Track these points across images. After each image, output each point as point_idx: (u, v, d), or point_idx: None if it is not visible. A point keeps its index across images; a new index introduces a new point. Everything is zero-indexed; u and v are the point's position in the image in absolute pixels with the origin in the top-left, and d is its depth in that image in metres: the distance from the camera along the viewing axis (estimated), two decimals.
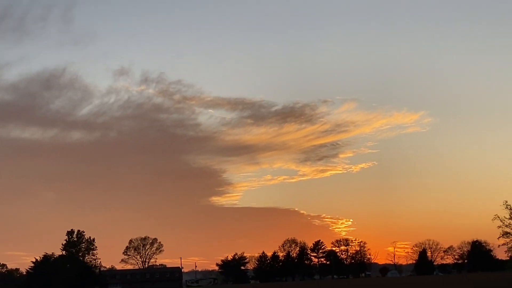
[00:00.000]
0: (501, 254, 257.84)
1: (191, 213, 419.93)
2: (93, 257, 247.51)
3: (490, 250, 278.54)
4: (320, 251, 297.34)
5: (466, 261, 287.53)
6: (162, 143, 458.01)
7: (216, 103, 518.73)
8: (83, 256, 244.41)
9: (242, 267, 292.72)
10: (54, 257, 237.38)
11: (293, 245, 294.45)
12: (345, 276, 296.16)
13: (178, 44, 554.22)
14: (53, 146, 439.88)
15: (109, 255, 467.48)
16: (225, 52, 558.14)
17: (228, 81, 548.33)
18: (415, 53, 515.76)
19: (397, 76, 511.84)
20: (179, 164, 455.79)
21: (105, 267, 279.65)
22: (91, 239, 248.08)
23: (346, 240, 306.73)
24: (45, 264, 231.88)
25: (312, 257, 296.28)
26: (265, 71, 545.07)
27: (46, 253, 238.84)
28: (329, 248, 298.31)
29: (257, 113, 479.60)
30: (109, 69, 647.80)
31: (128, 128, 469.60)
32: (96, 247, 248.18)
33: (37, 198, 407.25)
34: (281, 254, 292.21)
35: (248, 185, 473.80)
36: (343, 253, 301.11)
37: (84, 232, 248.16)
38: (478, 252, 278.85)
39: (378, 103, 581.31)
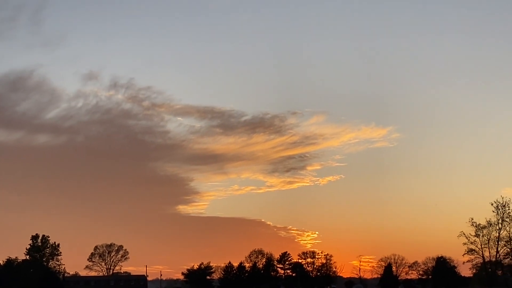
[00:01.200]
0: (465, 271, 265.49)
1: (158, 221, 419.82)
2: (57, 262, 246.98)
3: (454, 267, 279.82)
4: (287, 262, 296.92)
5: (430, 276, 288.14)
6: (130, 149, 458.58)
7: (185, 111, 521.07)
8: (47, 262, 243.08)
9: (208, 277, 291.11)
10: (17, 261, 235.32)
11: (259, 256, 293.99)
12: None
13: (148, 50, 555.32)
14: (18, 149, 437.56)
15: (74, 261, 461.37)
16: (196, 60, 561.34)
17: (198, 89, 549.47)
18: (385, 69, 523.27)
19: (366, 90, 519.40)
20: (146, 171, 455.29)
21: (69, 273, 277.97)
22: (56, 244, 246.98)
23: (313, 252, 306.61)
24: (8, 268, 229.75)
25: (278, 268, 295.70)
26: (236, 81, 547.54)
27: (10, 258, 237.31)
28: (295, 260, 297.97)
29: (226, 122, 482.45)
30: (78, 73, 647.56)
31: (96, 133, 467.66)
32: (60, 252, 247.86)
33: (0, 201, 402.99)
34: (248, 264, 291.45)
35: (215, 195, 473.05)
36: (309, 265, 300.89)
37: (49, 237, 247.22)
38: (442, 268, 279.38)
39: (347, 117, 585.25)
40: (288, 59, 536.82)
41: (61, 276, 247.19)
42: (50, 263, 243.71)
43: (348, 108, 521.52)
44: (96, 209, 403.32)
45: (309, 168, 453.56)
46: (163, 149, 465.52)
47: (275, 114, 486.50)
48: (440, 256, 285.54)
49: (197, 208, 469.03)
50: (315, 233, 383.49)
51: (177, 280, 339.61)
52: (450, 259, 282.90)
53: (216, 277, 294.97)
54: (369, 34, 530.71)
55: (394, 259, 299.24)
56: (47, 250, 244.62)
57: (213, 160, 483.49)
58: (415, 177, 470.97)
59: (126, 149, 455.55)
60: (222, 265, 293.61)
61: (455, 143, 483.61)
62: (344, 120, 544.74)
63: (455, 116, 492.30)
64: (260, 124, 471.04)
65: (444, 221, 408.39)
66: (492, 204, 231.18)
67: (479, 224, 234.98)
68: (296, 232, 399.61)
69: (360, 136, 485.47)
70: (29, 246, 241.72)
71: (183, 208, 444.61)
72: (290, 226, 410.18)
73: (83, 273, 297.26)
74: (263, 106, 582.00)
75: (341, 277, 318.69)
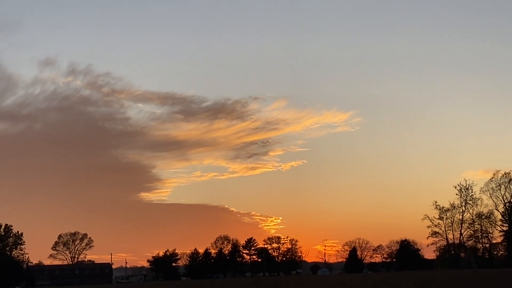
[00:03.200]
0: (428, 254, 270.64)
1: (121, 209, 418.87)
2: (21, 251, 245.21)
3: (418, 250, 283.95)
4: (252, 248, 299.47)
5: (394, 259, 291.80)
6: (90, 136, 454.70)
7: (146, 97, 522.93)
8: (10, 251, 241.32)
9: (173, 264, 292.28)
10: None
11: (225, 242, 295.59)
12: (276, 274, 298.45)
13: (107, 35, 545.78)
14: None
15: (38, 251, 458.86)
16: (156, 45, 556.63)
17: (159, 74, 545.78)
18: (346, 52, 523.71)
19: (328, 75, 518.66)
20: (107, 159, 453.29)
21: (33, 262, 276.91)
22: (19, 233, 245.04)
23: (278, 237, 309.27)
24: None
25: (244, 254, 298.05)
26: (197, 66, 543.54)
27: None
28: (261, 246, 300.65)
29: (187, 108, 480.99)
30: (35, 59, 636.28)
31: (55, 120, 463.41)
32: (24, 241, 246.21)
33: None
34: (213, 251, 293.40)
35: (178, 181, 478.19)
36: (275, 250, 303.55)
37: (11, 226, 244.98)
38: (406, 251, 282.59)
39: (309, 102, 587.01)
40: (248, 43, 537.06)
41: (24, 266, 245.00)
42: (14, 252, 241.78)
43: (310, 92, 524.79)
44: (59, 198, 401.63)
45: (271, 153, 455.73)
46: (124, 136, 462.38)
47: (237, 100, 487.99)
48: (404, 239, 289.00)
49: (160, 195, 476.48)
50: (278, 219, 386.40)
51: (142, 267, 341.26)
52: (414, 242, 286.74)
53: (182, 264, 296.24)
54: (332, 17, 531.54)
55: (359, 243, 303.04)
56: (10, 240, 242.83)
57: (175, 147, 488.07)
58: (377, 161, 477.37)
59: (87, 136, 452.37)
60: (188, 252, 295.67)
61: (416, 127, 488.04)
62: (306, 105, 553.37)
63: (416, 101, 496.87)
64: (221, 110, 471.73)
65: (407, 205, 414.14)
66: (455, 187, 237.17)
67: (443, 207, 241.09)
68: (260, 218, 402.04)
69: (322, 121, 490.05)
70: None
71: (146, 196, 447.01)
72: (253, 212, 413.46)
73: (47, 262, 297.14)
74: (224, 91, 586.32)
75: (306, 261, 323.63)
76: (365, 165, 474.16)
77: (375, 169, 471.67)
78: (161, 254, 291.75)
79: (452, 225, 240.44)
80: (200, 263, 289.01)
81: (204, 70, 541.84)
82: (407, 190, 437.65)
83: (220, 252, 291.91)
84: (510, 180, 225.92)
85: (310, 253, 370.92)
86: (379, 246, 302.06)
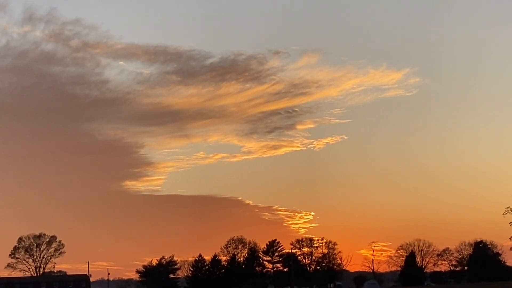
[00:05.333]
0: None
1: (99, 203, 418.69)
2: None
3: (498, 254, 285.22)
4: (276, 254, 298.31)
5: (466, 268, 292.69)
6: (56, 106, 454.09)
7: (128, 53, 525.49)
8: None
9: (171, 275, 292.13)
10: None
11: (240, 246, 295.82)
12: (308, 287, 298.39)
13: None
14: None
15: None
16: None
17: (146, 22, 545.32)
18: None
19: (374, 20, 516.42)
20: (80, 136, 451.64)
21: None
22: None
23: (310, 240, 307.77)
24: None
25: (265, 262, 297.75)
26: (197, 11, 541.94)
27: None
28: (287, 251, 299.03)
29: (185, 67, 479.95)
30: None
31: (8, 85, 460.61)
32: None
33: None
34: (224, 258, 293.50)
35: (175, 166, 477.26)
36: (306, 257, 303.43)
37: None
38: (482, 256, 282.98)
39: (349, 57, 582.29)
40: None
41: None
42: None
43: (349, 44, 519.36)
44: (18, 190, 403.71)
45: (299, 127, 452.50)
46: (101, 105, 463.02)
47: (251, 55, 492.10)
48: (479, 240, 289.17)
49: (151, 184, 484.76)
50: (310, 215, 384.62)
51: (130, 280, 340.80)
52: (492, 244, 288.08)
53: (183, 275, 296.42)
54: None
55: (418, 246, 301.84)
56: None
57: (170, 119, 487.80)
58: (442, 136, 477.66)
59: (51, 106, 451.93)
60: (190, 259, 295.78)
61: (495, 91, 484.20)
62: (344, 61, 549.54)
63: (496, 55, 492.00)
64: (231, 69, 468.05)
65: (484, 195, 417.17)
66: None
67: None
68: (285, 213, 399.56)
69: (366, 83, 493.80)
70: None
71: (132, 185, 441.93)
72: (276, 206, 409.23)
73: (4, 274, 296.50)
74: (234, 44, 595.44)
75: (348, 271, 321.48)
76: (426, 142, 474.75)
77: (440, 148, 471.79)
78: (154, 262, 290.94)
79: None
80: (207, 274, 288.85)
81: (207, 16, 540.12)
82: (482, 176, 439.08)
83: (233, 259, 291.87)
84: None
85: (353, 260, 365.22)
86: (446, 250, 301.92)
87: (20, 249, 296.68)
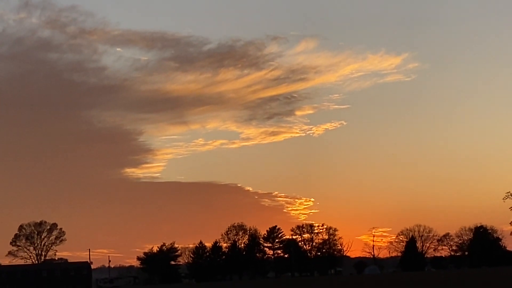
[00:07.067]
0: None
1: (100, 190, 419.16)
2: None
3: (499, 239, 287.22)
4: (276, 240, 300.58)
5: (467, 253, 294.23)
6: (53, 94, 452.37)
7: (126, 39, 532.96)
8: None
9: (172, 262, 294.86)
10: None
11: (240, 233, 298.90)
12: (308, 274, 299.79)
13: None
14: None
15: None
16: None
17: (143, 8, 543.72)
18: None
19: (373, 6, 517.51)
20: (78, 124, 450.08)
21: None
22: None
23: (310, 226, 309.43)
24: None
25: (266, 248, 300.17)
26: None
27: None
28: (287, 237, 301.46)
29: (183, 53, 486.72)
30: None
31: (5, 72, 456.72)
32: None
33: None
34: (225, 244, 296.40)
35: (174, 152, 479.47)
36: (306, 243, 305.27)
37: None
38: (482, 241, 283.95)
39: (347, 42, 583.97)
40: None
41: None
42: None
43: (348, 29, 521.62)
44: (18, 178, 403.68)
45: (298, 113, 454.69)
46: (99, 93, 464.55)
47: (249, 41, 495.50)
48: (479, 225, 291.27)
49: (150, 171, 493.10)
50: (310, 201, 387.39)
51: (131, 267, 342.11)
52: (492, 229, 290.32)
53: (183, 262, 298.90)
54: None
55: (418, 231, 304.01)
56: None
57: (168, 106, 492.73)
58: (441, 122, 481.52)
59: (48, 93, 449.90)
60: (191, 246, 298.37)
61: (496, 75, 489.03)
62: (343, 46, 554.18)
63: (496, 40, 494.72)
64: (229, 55, 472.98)
65: (485, 180, 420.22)
66: None
67: None
68: (285, 199, 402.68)
69: (365, 68, 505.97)
70: None
71: (132, 172, 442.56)
72: (276, 192, 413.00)
73: (5, 261, 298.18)
74: (232, 30, 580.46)
75: (348, 257, 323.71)
76: (426, 127, 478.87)
77: (439, 133, 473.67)
78: (155, 249, 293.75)
79: None
80: (208, 261, 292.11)
81: (204, 1, 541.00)
82: (483, 161, 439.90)
83: (233, 246, 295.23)
84: None
85: (354, 245, 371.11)
86: (446, 235, 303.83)
87: (21, 236, 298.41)
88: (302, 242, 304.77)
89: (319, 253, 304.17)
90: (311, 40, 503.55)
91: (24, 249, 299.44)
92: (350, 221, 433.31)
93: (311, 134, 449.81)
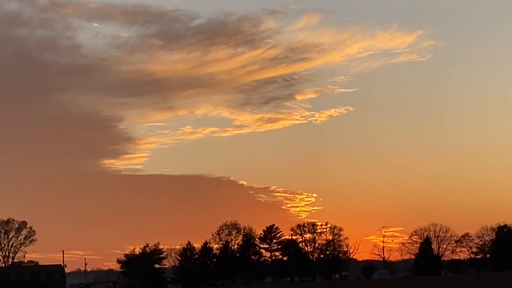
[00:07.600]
0: None
1: (74, 184, 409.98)
2: None
3: None
4: (274, 241, 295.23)
5: (488, 255, 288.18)
6: (22, 74, 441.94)
7: (104, 13, 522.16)
8: None
9: (156, 265, 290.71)
10: None
11: (233, 232, 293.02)
12: (310, 278, 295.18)
13: None
14: None
15: None
16: None
17: None
18: None
19: None
20: (50, 108, 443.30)
21: None
22: None
23: (313, 225, 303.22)
24: None
25: (262, 250, 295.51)
26: None
27: None
28: (287, 237, 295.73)
29: (169, 29, 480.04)
30: None
31: None
32: None
33: None
34: (216, 245, 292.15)
35: (158, 141, 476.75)
36: (308, 244, 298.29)
37: None
38: (506, 242, 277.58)
39: (354, 17, 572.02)
40: None
41: None
42: None
43: (355, 3, 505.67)
44: None
45: (299, 97, 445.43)
46: (74, 73, 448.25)
47: (244, 15, 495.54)
48: (502, 224, 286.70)
49: (132, 162, 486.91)
50: (312, 196, 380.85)
51: (110, 271, 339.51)
52: None
53: (169, 266, 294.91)
54: None
55: (434, 231, 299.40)
56: None
57: (152, 89, 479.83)
58: (460, 107, 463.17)
59: (16, 74, 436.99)
60: (178, 247, 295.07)
61: None
62: (349, 21, 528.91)
63: None
64: (220, 31, 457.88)
65: (509, 174, 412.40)
66: None
67: None
68: (284, 195, 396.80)
69: (374, 46, 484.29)
70: None
71: (111, 163, 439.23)
72: (274, 187, 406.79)
73: None
74: (224, 3, 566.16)
75: (355, 260, 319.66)
76: (443, 114, 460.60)
77: (458, 120, 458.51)
78: (137, 251, 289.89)
79: None
80: (197, 264, 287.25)
81: None
82: (507, 151, 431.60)
83: (226, 247, 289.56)
84: None
85: (361, 247, 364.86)
86: (465, 236, 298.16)
87: None
88: (303, 243, 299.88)
89: (322, 256, 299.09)
90: (313, 14, 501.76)
91: None
92: (357, 219, 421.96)
93: (313, 121, 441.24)
